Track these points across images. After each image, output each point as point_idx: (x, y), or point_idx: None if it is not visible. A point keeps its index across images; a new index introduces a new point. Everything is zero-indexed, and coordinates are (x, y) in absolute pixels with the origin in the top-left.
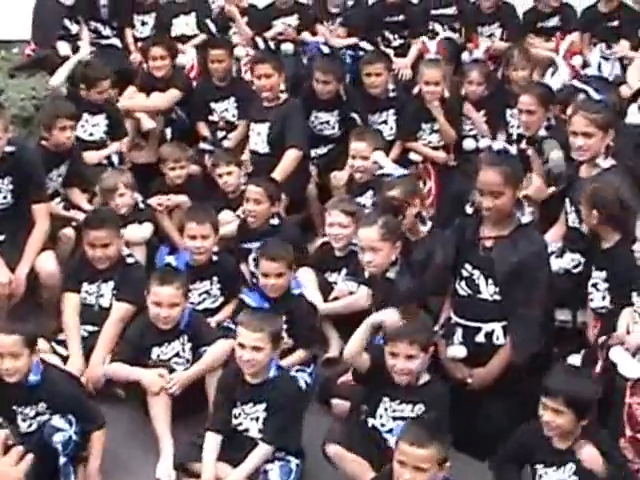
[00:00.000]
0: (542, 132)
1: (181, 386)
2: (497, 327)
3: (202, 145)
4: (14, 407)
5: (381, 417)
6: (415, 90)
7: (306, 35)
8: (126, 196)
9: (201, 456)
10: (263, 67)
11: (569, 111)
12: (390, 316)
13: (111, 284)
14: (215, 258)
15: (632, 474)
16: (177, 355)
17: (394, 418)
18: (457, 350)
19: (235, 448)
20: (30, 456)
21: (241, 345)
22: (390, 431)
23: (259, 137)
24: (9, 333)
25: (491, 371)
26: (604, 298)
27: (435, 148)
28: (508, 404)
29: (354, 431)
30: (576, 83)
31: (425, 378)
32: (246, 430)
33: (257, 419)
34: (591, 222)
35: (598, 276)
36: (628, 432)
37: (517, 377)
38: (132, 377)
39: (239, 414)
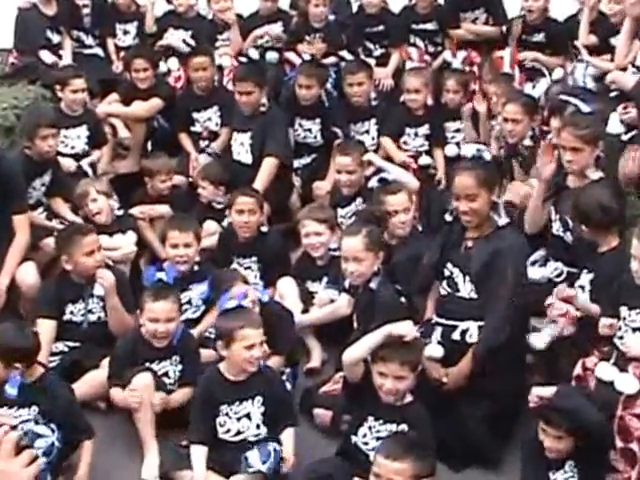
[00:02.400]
0: (527, 142)
1: (162, 407)
2: (472, 326)
3: (209, 149)
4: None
5: (365, 436)
6: (401, 99)
7: (291, 55)
8: (99, 202)
9: (185, 465)
10: (245, 85)
11: (554, 123)
12: (407, 329)
13: (97, 297)
14: (196, 268)
15: None
16: (166, 375)
17: (378, 438)
18: (434, 350)
19: (226, 456)
20: (41, 460)
21: (251, 346)
22: (373, 450)
23: (242, 147)
24: None
25: (462, 369)
26: (586, 301)
27: (419, 153)
28: (481, 407)
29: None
30: (563, 97)
31: (408, 398)
32: (238, 433)
33: (248, 416)
34: (583, 233)
35: (586, 278)
36: (619, 444)
37: (489, 378)
38: (124, 405)
39: (224, 421)
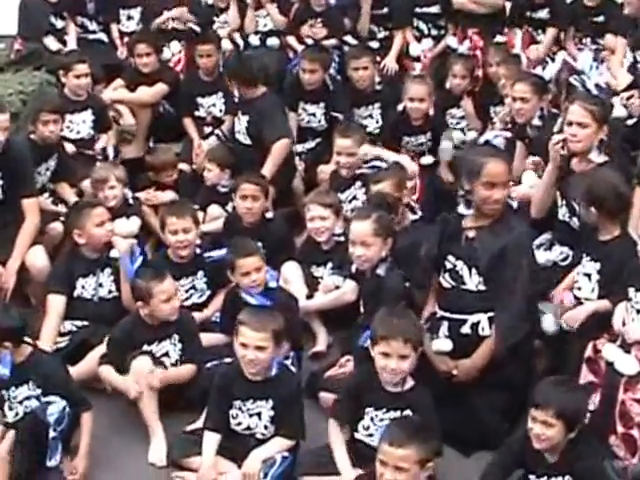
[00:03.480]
0: (536, 121)
1: (161, 382)
2: (483, 318)
3: (217, 131)
4: (2, 392)
5: (367, 428)
6: (400, 107)
7: (292, 40)
8: (116, 189)
9: (193, 452)
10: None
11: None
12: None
13: (108, 270)
14: (198, 251)
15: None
16: (166, 355)
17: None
18: (442, 344)
19: (236, 444)
20: (11, 434)
21: (244, 345)
22: None
23: (241, 127)
24: None
25: (476, 362)
26: (593, 290)
27: (421, 152)
28: (493, 397)
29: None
30: (573, 80)
31: (410, 383)
32: (248, 428)
33: (259, 415)
34: (591, 218)
35: (592, 267)
36: (620, 429)
37: (501, 369)
38: (115, 385)
39: (237, 414)
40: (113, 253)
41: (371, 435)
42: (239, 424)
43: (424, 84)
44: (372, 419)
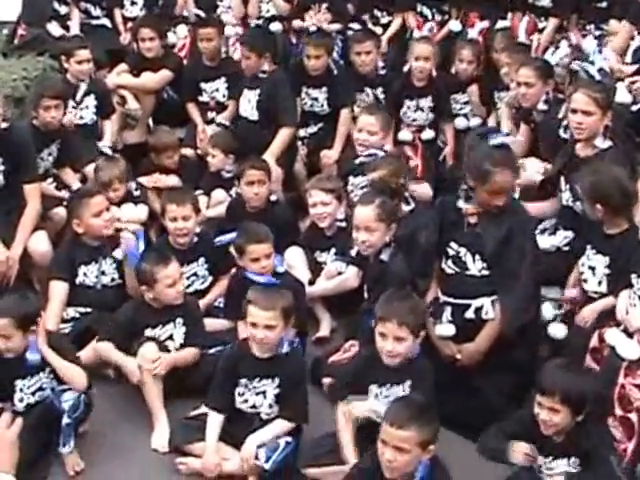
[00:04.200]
0: (541, 106)
1: (166, 368)
2: (486, 302)
3: (218, 119)
4: (15, 381)
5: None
6: (405, 68)
7: (297, 23)
8: (120, 190)
9: (196, 437)
10: (242, 49)
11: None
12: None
13: (110, 258)
14: (195, 239)
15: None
16: (170, 338)
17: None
18: (445, 329)
19: (239, 427)
20: (20, 420)
21: (253, 324)
22: None
23: (249, 104)
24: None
25: (479, 345)
26: (600, 283)
27: (421, 126)
28: (499, 380)
29: None
30: (576, 65)
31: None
32: (253, 407)
33: (264, 393)
34: (596, 215)
35: (599, 260)
36: (618, 412)
37: (505, 352)
38: (116, 362)
39: (243, 392)
40: (117, 254)
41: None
42: (245, 401)
43: (429, 44)
44: (377, 396)
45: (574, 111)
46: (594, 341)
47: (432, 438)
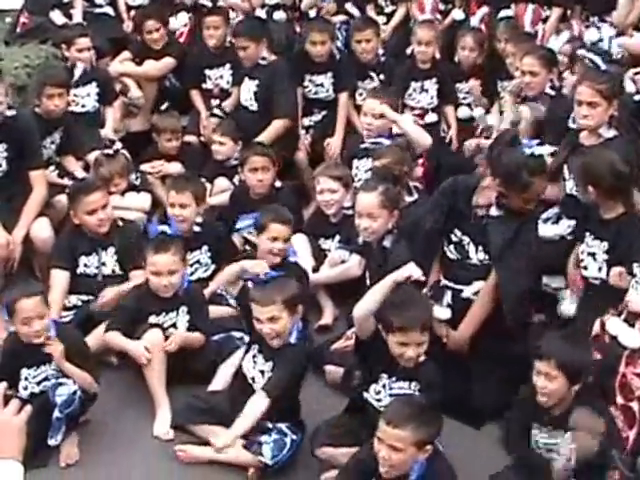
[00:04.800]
0: (548, 91)
1: (178, 344)
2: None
3: (215, 110)
4: (21, 370)
5: (378, 393)
6: (408, 51)
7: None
8: (121, 185)
9: (198, 418)
10: (240, 40)
11: (566, 76)
12: (409, 271)
13: (111, 250)
14: (197, 229)
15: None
16: (174, 326)
17: (391, 395)
18: (442, 312)
19: (240, 408)
20: (29, 407)
21: (257, 320)
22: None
23: (249, 93)
24: (32, 296)
25: (463, 333)
26: (600, 269)
27: (425, 110)
28: (498, 370)
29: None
30: (583, 52)
31: (422, 357)
32: (252, 379)
33: (263, 373)
34: (590, 198)
35: (598, 246)
36: (620, 400)
37: (505, 342)
38: (123, 348)
39: (250, 360)
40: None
41: (379, 400)
42: (248, 370)
43: (431, 28)
44: (384, 386)
45: (579, 103)
46: (596, 329)
47: (429, 438)
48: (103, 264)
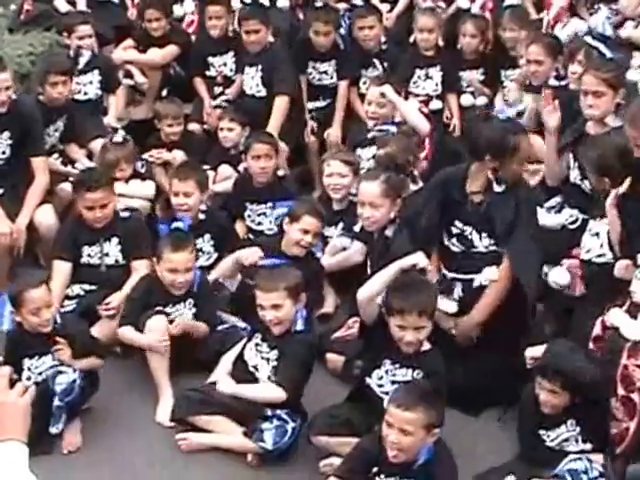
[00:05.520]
0: (552, 82)
1: (181, 328)
2: (493, 269)
3: (218, 101)
4: (23, 360)
5: (380, 378)
6: (411, 38)
7: None
8: (127, 171)
9: (198, 410)
10: (251, 23)
11: (573, 67)
12: (417, 259)
13: (115, 240)
14: (202, 216)
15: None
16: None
17: (393, 382)
18: (448, 305)
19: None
20: (33, 388)
21: (261, 306)
22: (387, 393)
23: (253, 81)
24: (42, 285)
25: (474, 317)
26: (602, 245)
27: (429, 97)
28: (495, 357)
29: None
30: (588, 40)
31: (426, 346)
32: (255, 367)
33: (268, 360)
34: (604, 188)
35: (602, 226)
36: (621, 392)
37: (503, 330)
38: (137, 344)
39: (252, 349)
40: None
41: (381, 386)
42: (250, 358)
43: (433, 16)
44: (387, 372)
45: (585, 93)
46: (597, 329)
47: (437, 422)
48: (106, 254)
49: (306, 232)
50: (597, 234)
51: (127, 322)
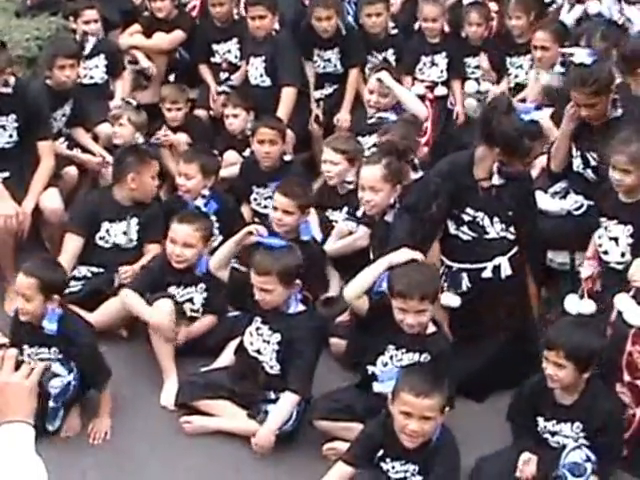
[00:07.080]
0: (558, 68)
1: (185, 338)
2: (503, 260)
3: (222, 87)
4: (23, 346)
5: (385, 365)
6: (416, 26)
7: None
8: (125, 127)
9: (202, 394)
10: (257, 9)
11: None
12: (405, 255)
13: (134, 221)
14: (203, 201)
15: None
16: (190, 301)
17: (400, 367)
18: (451, 299)
19: (246, 383)
20: (38, 368)
21: (255, 287)
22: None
23: (257, 71)
24: (28, 275)
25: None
26: (623, 254)
27: (435, 83)
28: (502, 344)
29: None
30: (565, 50)
31: (432, 329)
32: (257, 351)
33: (268, 343)
34: (632, 183)
35: (620, 230)
36: (626, 378)
37: (508, 317)
38: (137, 311)
39: (252, 333)
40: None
41: None
42: (251, 344)
43: (437, 4)
44: (392, 357)
45: (577, 105)
46: (613, 317)
47: (448, 401)
48: (124, 233)
49: (276, 209)
50: (616, 239)
51: (134, 287)
